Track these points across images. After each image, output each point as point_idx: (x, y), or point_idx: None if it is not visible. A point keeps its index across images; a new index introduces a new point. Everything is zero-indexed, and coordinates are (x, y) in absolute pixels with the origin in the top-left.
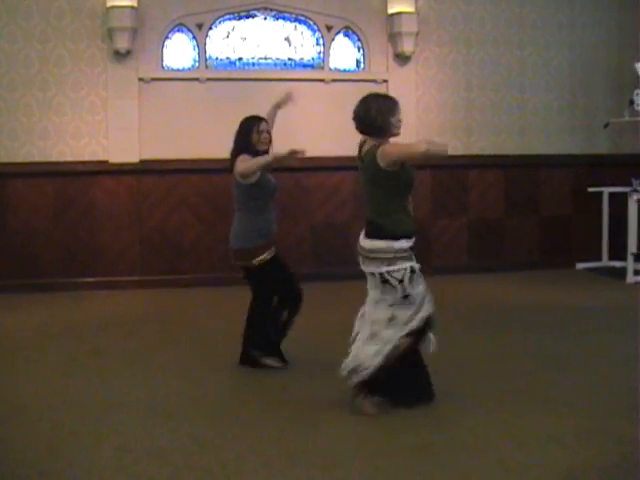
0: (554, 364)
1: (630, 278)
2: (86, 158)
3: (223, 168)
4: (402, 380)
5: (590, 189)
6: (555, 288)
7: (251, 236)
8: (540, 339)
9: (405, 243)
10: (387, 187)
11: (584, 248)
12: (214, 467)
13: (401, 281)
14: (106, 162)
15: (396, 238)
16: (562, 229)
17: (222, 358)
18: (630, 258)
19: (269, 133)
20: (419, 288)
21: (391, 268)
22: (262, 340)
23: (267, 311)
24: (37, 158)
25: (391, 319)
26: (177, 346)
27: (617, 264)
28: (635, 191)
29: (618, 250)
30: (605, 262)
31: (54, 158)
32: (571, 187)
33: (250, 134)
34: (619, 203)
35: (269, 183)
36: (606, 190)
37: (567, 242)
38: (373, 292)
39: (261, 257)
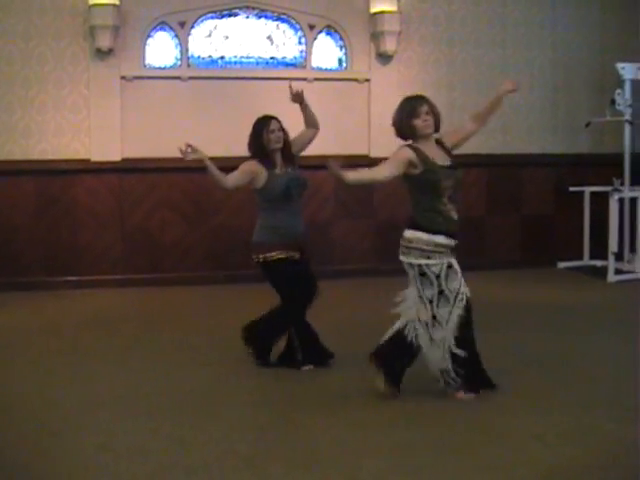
0: (536, 362)
1: (611, 277)
2: (68, 156)
3: (203, 166)
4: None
5: (572, 188)
6: (537, 287)
7: (260, 232)
8: (522, 337)
9: (444, 239)
10: (412, 187)
11: (566, 247)
12: (196, 466)
13: (438, 276)
14: (88, 160)
15: (434, 232)
16: (544, 228)
17: (204, 357)
18: (611, 257)
19: (280, 130)
20: (453, 284)
21: (429, 262)
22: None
23: (293, 312)
24: (19, 156)
25: (434, 318)
26: (159, 345)
27: (598, 263)
28: (616, 190)
29: (599, 249)
30: (586, 261)
31: (36, 156)
32: (553, 186)
33: (261, 135)
34: (600, 202)
35: (276, 188)
36: (587, 189)
37: (549, 241)
38: (413, 287)
39: (266, 255)
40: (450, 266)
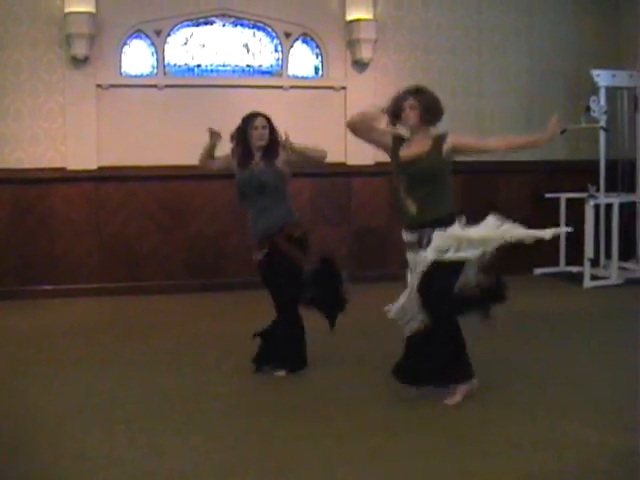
0: (512, 369)
1: (587, 283)
2: (44, 165)
3: (181, 175)
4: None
5: (547, 195)
6: (513, 294)
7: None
8: (498, 344)
9: (405, 235)
10: None
11: (542, 253)
12: (172, 475)
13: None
14: (64, 169)
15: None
16: None
17: (181, 365)
18: (587, 263)
19: (266, 128)
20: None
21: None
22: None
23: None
24: None
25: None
26: (136, 354)
27: (574, 269)
28: (592, 197)
29: (575, 255)
30: (563, 267)
31: (12, 165)
32: (529, 193)
33: (247, 131)
34: (576, 209)
35: (239, 182)
36: (563, 196)
37: (525, 247)
38: None
39: (254, 257)
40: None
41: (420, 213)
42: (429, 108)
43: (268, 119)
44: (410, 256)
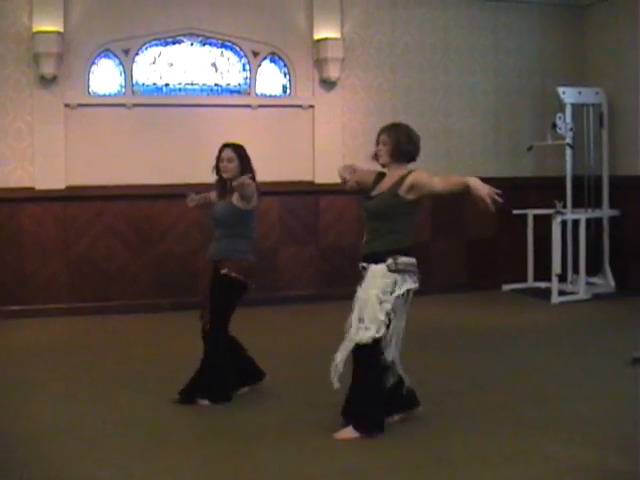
0: (481, 384)
1: (555, 298)
2: (12, 184)
3: (150, 194)
4: None
5: (515, 211)
6: (483, 309)
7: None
8: (467, 360)
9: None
10: None
11: (510, 269)
12: None
13: None
14: (32, 188)
15: None
16: (488, 251)
17: (151, 386)
18: (555, 279)
19: (231, 161)
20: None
21: None
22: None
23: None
24: None
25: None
26: (105, 375)
27: (542, 285)
28: (559, 213)
29: (543, 271)
30: (530, 283)
31: None
32: (496, 209)
33: (217, 162)
34: (543, 225)
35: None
36: (530, 212)
37: (493, 264)
38: None
39: None
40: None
41: (366, 244)
42: (399, 145)
43: (238, 150)
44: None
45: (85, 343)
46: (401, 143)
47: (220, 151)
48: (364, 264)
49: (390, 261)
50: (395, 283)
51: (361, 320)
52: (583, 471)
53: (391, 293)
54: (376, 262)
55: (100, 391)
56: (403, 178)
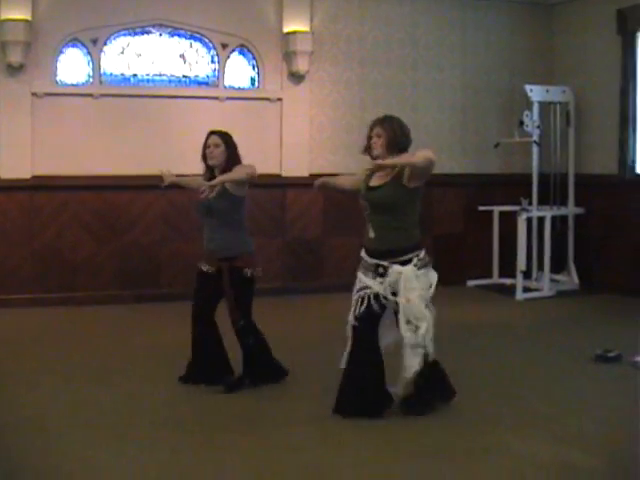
0: None
1: (519, 295)
2: None
3: (116, 185)
4: None
5: (481, 208)
6: (447, 305)
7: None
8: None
9: (363, 254)
10: None
11: (475, 265)
12: None
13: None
14: None
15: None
16: (454, 247)
17: (114, 377)
18: (519, 275)
19: (218, 147)
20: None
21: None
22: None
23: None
24: None
25: None
26: (69, 366)
27: (507, 281)
28: (524, 210)
29: (508, 267)
30: (495, 279)
31: None
32: (462, 206)
33: (203, 150)
34: (509, 221)
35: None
36: (496, 209)
37: (459, 260)
38: None
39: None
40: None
41: (377, 240)
42: (395, 137)
43: (224, 136)
44: (361, 276)
45: (49, 335)
46: (397, 135)
47: (207, 138)
48: (383, 263)
49: (415, 260)
50: (427, 279)
51: (409, 322)
52: (545, 468)
53: (429, 288)
54: (396, 260)
55: (63, 383)
56: (402, 168)
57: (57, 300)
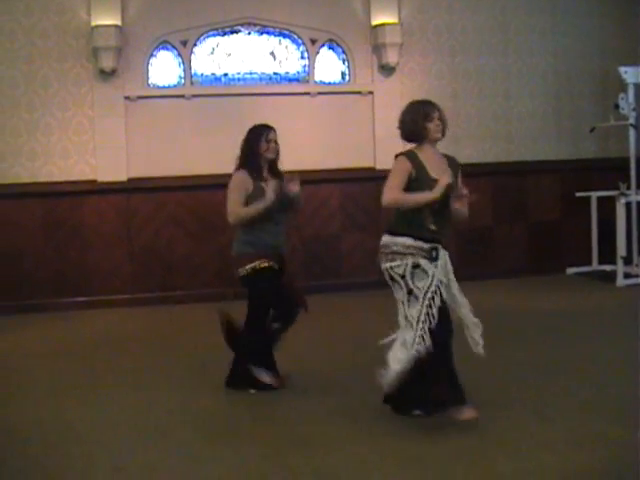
0: (546, 371)
1: (620, 281)
2: (74, 178)
3: (210, 184)
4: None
5: (578, 194)
6: (546, 294)
7: (238, 244)
8: (531, 345)
9: (411, 241)
10: None
11: (574, 253)
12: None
13: (403, 276)
14: (94, 181)
15: (398, 234)
16: (551, 234)
17: (214, 376)
18: (620, 261)
19: (277, 143)
20: (421, 283)
21: (393, 264)
22: (253, 355)
23: (258, 326)
24: (25, 179)
25: (406, 318)
26: (170, 364)
27: (607, 268)
28: (622, 194)
29: (608, 254)
30: (595, 266)
31: (42, 178)
32: (559, 192)
33: (258, 142)
34: (607, 207)
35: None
36: (594, 194)
37: (557, 247)
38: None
39: (247, 266)
40: (417, 266)
41: (440, 231)
42: (445, 121)
43: (276, 132)
44: (409, 260)
45: (149, 334)
46: (446, 121)
47: (266, 132)
48: (433, 245)
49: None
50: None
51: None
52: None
53: None
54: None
55: (165, 381)
56: (453, 159)
57: (156, 300)
